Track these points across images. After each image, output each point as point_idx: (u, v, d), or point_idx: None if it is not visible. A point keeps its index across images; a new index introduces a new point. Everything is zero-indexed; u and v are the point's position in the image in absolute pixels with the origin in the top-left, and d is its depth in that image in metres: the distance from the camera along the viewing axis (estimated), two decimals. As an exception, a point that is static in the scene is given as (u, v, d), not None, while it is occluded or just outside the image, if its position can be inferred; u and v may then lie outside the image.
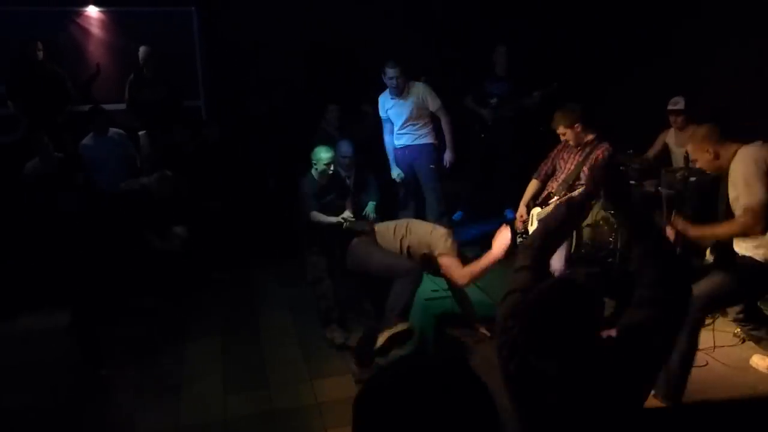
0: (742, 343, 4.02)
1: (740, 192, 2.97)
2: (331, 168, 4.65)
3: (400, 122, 5.47)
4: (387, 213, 5.56)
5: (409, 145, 5.57)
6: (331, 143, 5.18)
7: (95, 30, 6.59)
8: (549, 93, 5.89)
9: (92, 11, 6.54)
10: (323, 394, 3.83)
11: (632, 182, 5.03)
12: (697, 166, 3.28)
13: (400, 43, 6.14)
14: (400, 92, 5.39)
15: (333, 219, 4.74)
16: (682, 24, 5.78)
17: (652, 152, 5.35)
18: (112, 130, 5.91)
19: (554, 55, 6.34)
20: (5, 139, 6.18)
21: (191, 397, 3.88)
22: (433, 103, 5.43)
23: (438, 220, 5.20)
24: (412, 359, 1.26)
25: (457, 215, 6.41)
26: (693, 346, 3.24)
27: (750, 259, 3.13)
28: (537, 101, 6.00)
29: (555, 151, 4.46)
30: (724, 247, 3.32)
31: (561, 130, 4.23)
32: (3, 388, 4.09)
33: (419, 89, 5.40)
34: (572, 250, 4.25)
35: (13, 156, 5.68)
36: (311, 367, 4.22)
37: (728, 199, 3.14)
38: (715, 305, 3.35)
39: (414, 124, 5.46)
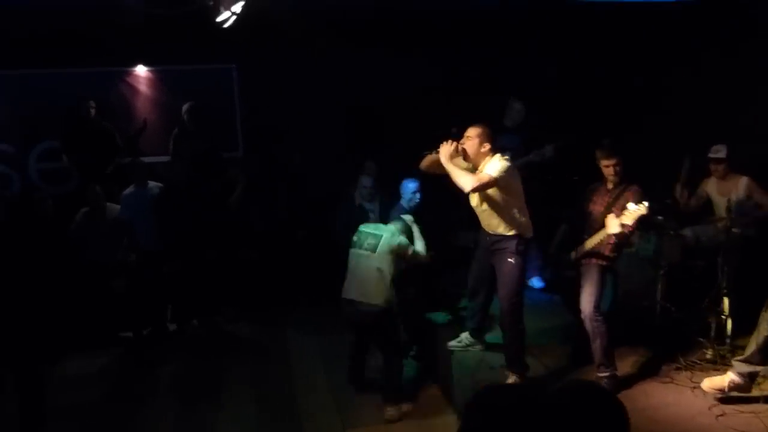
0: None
1: None
2: (420, 195, 5.13)
3: None
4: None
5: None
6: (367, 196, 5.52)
7: (143, 87, 7.06)
8: (564, 146, 5.61)
9: (141, 70, 7.03)
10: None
11: (670, 232, 5.00)
12: None
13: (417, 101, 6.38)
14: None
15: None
16: (710, 68, 5.80)
17: (693, 201, 5.26)
18: (152, 183, 6.27)
19: (568, 105, 6.36)
20: (59, 190, 6.57)
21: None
22: None
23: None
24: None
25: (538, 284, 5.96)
26: None
27: None
28: (550, 155, 5.67)
29: (584, 194, 4.46)
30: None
31: (614, 160, 4.18)
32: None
33: None
34: (604, 298, 4.20)
35: (66, 206, 6.06)
36: (344, 417, 4.26)
37: None
38: None
39: None
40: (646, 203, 3.89)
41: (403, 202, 5.19)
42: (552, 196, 5.69)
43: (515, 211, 4.17)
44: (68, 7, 6.17)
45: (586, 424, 1.21)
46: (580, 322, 4.17)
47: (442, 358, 5.02)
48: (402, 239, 4.53)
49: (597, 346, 4.11)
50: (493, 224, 4.23)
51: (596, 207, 4.32)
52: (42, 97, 6.69)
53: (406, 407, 4.47)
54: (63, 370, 5.38)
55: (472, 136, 4.08)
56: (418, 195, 5.07)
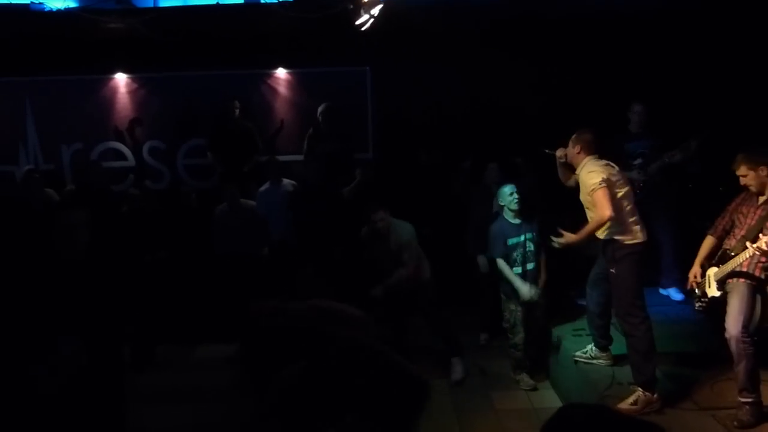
0: None
1: None
2: (517, 196, 5.04)
3: None
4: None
5: None
6: (491, 198, 5.38)
7: (282, 89, 7.58)
8: (703, 142, 5.36)
9: (281, 73, 7.55)
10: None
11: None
12: None
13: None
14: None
15: (519, 283, 5.00)
16: None
17: None
18: (286, 181, 6.70)
19: (702, 103, 6.10)
20: (202, 185, 7.20)
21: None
22: None
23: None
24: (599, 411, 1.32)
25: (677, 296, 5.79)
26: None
27: None
28: (691, 154, 5.47)
29: (733, 204, 4.21)
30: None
31: (742, 170, 3.96)
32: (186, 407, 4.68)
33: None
34: (754, 319, 3.92)
35: (208, 200, 6.71)
36: (461, 420, 4.34)
37: None
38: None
39: None
40: None
41: (506, 208, 5.14)
42: (694, 206, 5.43)
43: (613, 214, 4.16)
44: (217, 13, 6.76)
45: None
46: (723, 341, 3.95)
47: (565, 368, 4.97)
48: None
49: (741, 369, 3.89)
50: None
51: (747, 219, 4.04)
52: (192, 98, 7.41)
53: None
54: (196, 355, 5.92)
55: (569, 143, 4.40)
56: (515, 196, 5.04)
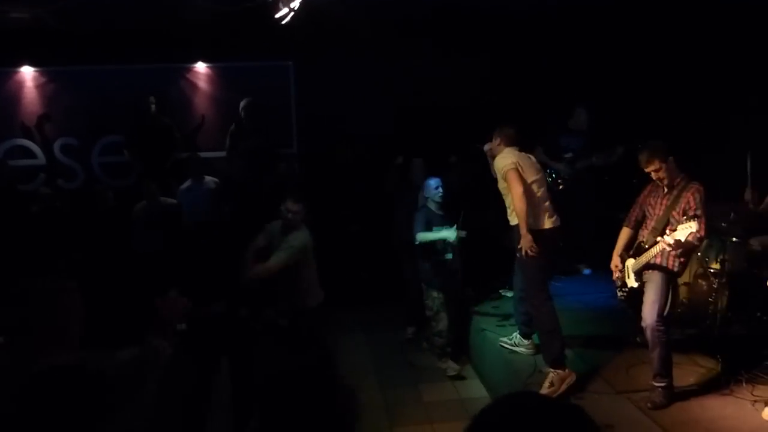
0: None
1: None
2: (442, 190, 5.17)
3: None
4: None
5: None
6: (415, 192, 5.42)
7: (202, 84, 7.38)
8: (633, 149, 5.76)
9: (200, 67, 7.35)
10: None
11: (734, 239, 4.86)
12: None
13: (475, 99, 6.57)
14: None
15: (443, 233, 5.06)
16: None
17: (762, 207, 5.06)
18: (208, 178, 6.53)
19: (635, 111, 6.37)
20: (119, 183, 6.91)
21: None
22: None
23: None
24: (523, 397, 1.27)
25: (586, 272, 6.50)
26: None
27: None
28: (618, 158, 6.02)
29: (641, 196, 4.38)
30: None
31: (655, 165, 4.07)
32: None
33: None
34: (667, 307, 4.12)
35: (126, 199, 6.43)
36: (391, 415, 4.35)
37: None
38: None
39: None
40: (694, 223, 3.79)
41: (431, 200, 5.26)
42: (609, 199, 5.66)
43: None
44: (132, 4, 6.47)
45: None
46: (639, 328, 4.14)
47: (490, 359, 5.08)
48: None
49: (656, 355, 4.07)
50: (509, 213, 4.51)
51: (655, 210, 4.21)
52: (106, 93, 7.09)
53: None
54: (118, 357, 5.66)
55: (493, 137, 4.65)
56: (440, 190, 5.20)
